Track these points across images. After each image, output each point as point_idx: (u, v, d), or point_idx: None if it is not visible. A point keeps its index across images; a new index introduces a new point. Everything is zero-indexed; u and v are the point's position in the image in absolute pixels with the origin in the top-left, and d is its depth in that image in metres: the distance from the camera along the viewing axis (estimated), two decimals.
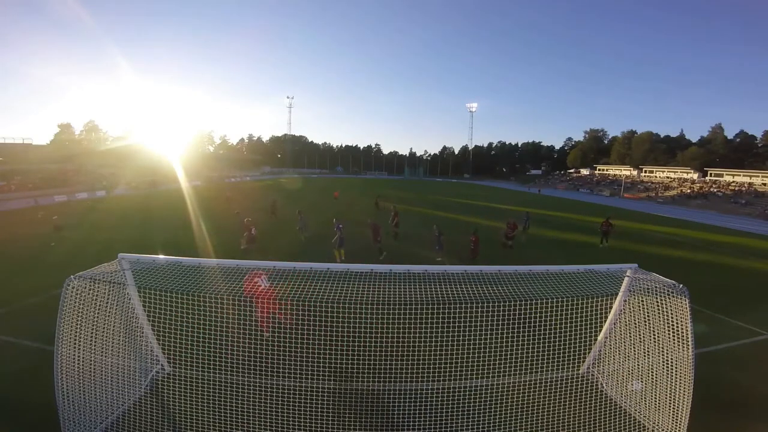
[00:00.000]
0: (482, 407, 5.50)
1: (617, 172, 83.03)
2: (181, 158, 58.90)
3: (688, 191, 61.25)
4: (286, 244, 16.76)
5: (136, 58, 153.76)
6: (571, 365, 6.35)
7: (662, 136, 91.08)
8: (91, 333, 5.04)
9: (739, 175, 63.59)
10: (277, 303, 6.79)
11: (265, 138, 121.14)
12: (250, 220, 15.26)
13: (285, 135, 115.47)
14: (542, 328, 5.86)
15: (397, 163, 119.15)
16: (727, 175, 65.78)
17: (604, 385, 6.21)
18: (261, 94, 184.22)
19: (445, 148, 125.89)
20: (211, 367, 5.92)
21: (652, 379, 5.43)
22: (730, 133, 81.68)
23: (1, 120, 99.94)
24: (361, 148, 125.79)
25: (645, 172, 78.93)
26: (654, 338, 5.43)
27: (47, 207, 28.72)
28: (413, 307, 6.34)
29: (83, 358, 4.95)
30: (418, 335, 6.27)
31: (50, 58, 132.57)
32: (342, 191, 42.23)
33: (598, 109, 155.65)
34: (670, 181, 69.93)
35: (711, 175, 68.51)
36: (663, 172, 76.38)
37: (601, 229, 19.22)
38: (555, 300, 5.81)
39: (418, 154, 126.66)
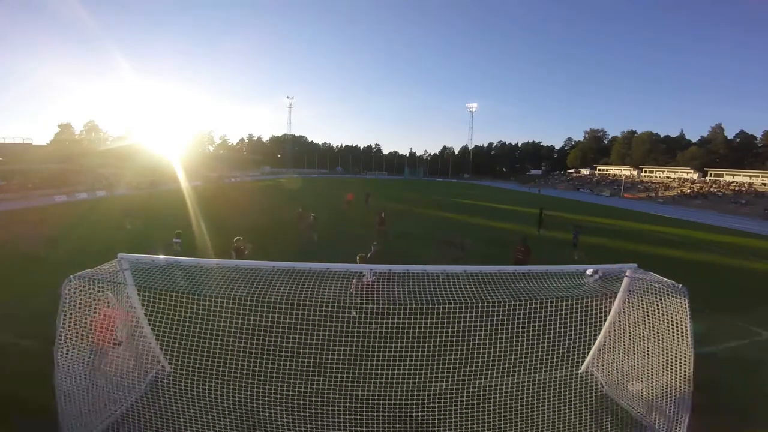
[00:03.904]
0: (481, 407, 5.50)
1: (617, 172, 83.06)
2: (181, 158, 58.82)
3: (688, 191, 61.25)
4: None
5: (136, 58, 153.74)
6: (570, 365, 6.35)
7: (662, 136, 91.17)
8: (91, 333, 5.04)
9: (739, 175, 63.61)
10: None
11: (265, 138, 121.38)
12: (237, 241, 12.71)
13: (285, 135, 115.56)
14: (542, 328, 5.86)
15: (397, 163, 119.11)
16: (727, 175, 65.80)
17: (604, 385, 6.21)
18: (261, 94, 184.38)
19: (445, 148, 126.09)
20: (212, 367, 5.92)
21: (652, 379, 5.44)
22: (730, 133, 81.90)
23: (1, 120, 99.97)
24: (361, 148, 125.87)
25: (645, 172, 78.95)
26: (654, 338, 5.43)
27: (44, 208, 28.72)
28: (411, 307, 6.34)
29: (83, 358, 4.96)
30: (416, 336, 6.27)
31: (50, 58, 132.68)
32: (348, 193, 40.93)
33: (598, 109, 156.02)
34: (670, 181, 69.93)
35: (711, 175, 68.52)
36: (663, 172, 76.41)
37: (538, 220, 21.86)
38: (555, 300, 5.81)
39: (418, 154, 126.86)
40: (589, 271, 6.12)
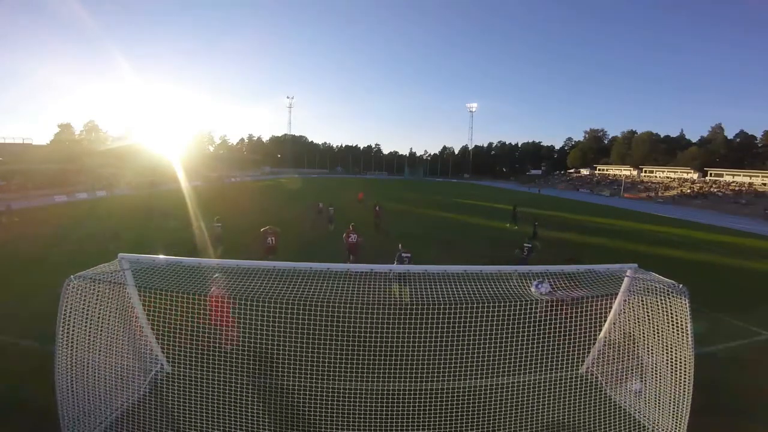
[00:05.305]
0: (482, 407, 5.50)
1: (617, 172, 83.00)
2: (181, 158, 58.77)
3: (688, 191, 61.21)
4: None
5: (136, 58, 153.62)
6: (571, 365, 6.35)
7: (662, 136, 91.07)
8: (91, 333, 5.04)
9: (739, 175, 63.55)
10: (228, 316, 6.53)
11: (265, 138, 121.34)
12: (269, 229, 13.07)
13: (285, 135, 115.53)
14: (543, 327, 5.86)
15: (397, 163, 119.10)
16: (727, 175, 65.73)
17: (604, 384, 6.21)
18: (261, 94, 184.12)
19: (445, 148, 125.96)
20: (211, 367, 5.92)
21: (653, 379, 5.44)
22: (730, 133, 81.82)
23: (1, 120, 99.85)
24: (361, 148, 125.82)
25: (645, 172, 78.91)
26: (654, 338, 5.43)
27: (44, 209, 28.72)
28: (413, 306, 6.34)
29: (83, 358, 4.95)
30: (417, 335, 6.27)
31: (50, 58, 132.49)
32: (349, 192, 41.99)
33: (598, 109, 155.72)
34: (670, 181, 69.90)
35: (711, 175, 68.46)
36: (663, 172, 76.35)
37: (511, 214, 24.85)
38: (555, 300, 5.81)
39: (418, 154, 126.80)
40: (533, 289, 6.39)
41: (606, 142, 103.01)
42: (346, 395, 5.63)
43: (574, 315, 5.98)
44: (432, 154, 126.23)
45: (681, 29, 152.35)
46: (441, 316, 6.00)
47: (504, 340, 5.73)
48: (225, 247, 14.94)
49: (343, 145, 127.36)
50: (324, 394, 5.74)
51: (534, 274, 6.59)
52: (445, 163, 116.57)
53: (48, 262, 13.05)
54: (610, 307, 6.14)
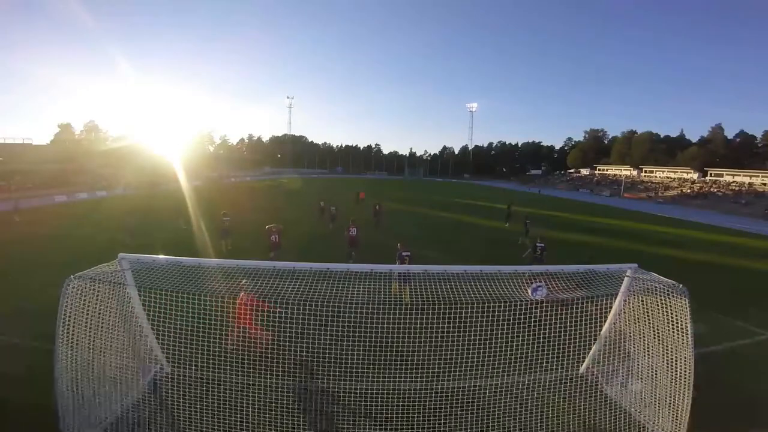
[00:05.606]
0: (482, 407, 5.51)
1: (617, 172, 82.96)
2: (181, 158, 58.72)
3: (688, 191, 61.22)
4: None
5: (137, 58, 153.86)
6: (571, 365, 6.35)
7: (662, 136, 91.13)
8: (91, 333, 5.04)
9: (739, 175, 63.51)
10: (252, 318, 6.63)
11: (265, 138, 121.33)
12: (273, 226, 13.32)
13: (285, 135, 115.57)
14: (542, 328, 5.86)
15: (397, 163, 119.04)
16: (727, 175, 65.69)
17: (604, 384, 6.21)
18: (261, 94, 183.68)
19: (445, 148, 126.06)
20: (211, 367, 5.92)
21: (652, 379, 5.44)
22: (730, 133, 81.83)
23: (1, 120, 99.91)
24: (361, 148, 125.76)
25: (645, 172, 78.88)
26: (654, 338, 5.43)
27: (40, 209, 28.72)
28: (413, 306, 6.34)
29: (83, 358, 4.95)
30: (417, 335, 6.27)
31: (50, 58, 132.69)
32: (349, 192, 42.01)
33: (598, 109, 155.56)
34: (670, 181, 69.89)
35: (711, 175, 68.42)
36: (663, 172, 76.31)
37: (506, 213, 25.56)
38: (555, 300, 5.81)
39: (418, 154, 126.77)
40: (529, 292, 6.43)
41: (606, 142, 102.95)
42: (346, 395, 5.63)
43: (573, 315, 5.98)
44: (432, 154, 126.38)
45: (681, 29, 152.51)
46: (441, 316, 6.00)
47: (504, 340, 5.73)
48: (233, 240, 15.53)
49: (343, 145, 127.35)
50: (323, 393, 5.74)
51: (533, 278, 6.57)
52: (445, 163, 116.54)
53: (48, 262, 13.04)
54: (610, 308, 6.14)
